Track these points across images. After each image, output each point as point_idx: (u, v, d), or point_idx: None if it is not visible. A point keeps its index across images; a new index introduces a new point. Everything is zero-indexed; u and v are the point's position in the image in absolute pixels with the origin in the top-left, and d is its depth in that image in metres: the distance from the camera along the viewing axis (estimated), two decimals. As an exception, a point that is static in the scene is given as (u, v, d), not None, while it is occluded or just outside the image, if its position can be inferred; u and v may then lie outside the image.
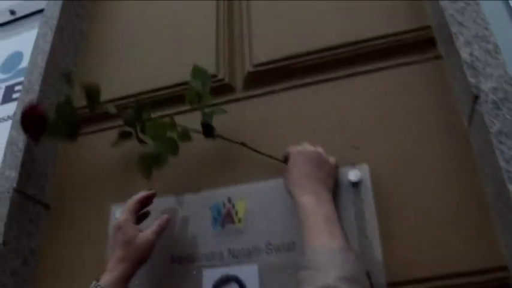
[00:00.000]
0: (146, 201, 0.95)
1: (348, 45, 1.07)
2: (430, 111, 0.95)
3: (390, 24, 1.07)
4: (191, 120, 1.03)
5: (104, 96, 1.06)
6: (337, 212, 0.80)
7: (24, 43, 1.58)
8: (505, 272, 0.77)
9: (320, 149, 0.91)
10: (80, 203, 1.13)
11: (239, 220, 0.97)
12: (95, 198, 1.11)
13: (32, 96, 1.17)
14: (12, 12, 1.65)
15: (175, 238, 1.00)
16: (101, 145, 1.14)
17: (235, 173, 1.02)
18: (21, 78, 1.49)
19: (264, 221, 0.95)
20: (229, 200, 0.99)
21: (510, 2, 0.96)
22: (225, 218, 0.98)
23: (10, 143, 1.14)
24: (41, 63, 1.20)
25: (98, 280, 0.82)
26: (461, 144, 0.90)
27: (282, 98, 1.08)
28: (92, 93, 1.03)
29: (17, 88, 1.49)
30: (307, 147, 0.91)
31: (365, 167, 0.93)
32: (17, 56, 1.57)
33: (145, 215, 0.96)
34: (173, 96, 1.14)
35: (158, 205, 0.99)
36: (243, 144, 1.00)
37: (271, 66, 1.11)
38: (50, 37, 1.24)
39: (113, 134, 1.11)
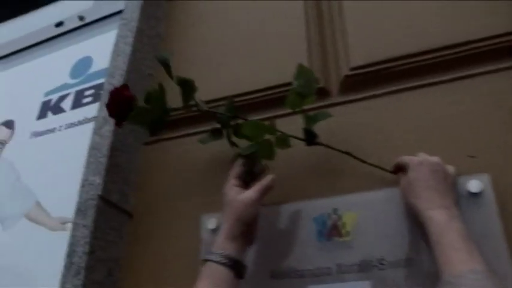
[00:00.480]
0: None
1: (455, 47, 0.99)
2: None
3: (497, 25, 0.98)
4: (284, 126, 0.96)
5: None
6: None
7: (93, 48, 1.56)
8: None
9: (439, 159, 0.84)
10: (166, 211, 1.07)
11: (347, 233, 0.89)
12: (182, 207, 1.05)
13: (115, 100, 1.12)
14: (81, 18, 1.64)
15: (275, 251, 0.93)
16: (188, 150, 1.08)
17: (338, 182, 0.95)
18: (91, 83, 1.47)
19: (374, 234, 0.88)
20: (335, 211, 0.92)
21: None
22: (330, 230, 0.90)
23: (92, 148, 1.09)
24: (123, 65, 1.16)
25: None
26: None
27: (383, 103, 1.01)
28: (187, 86, 0.97)
29: (87, 93, 1.47)
30: (427, 157, 0.84)
31: (486, 177, 0.85)
32: (86, 61, 1.56)
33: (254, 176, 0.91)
34: (264, 101, 1.08)
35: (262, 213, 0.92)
36: (349, 153, 0.92)
37: (370, 69, 1.04)
38: (130, 39, 1.20)
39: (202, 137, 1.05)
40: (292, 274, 0.89)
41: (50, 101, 1.56)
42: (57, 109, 1.53)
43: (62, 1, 1.81)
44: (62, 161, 1.39)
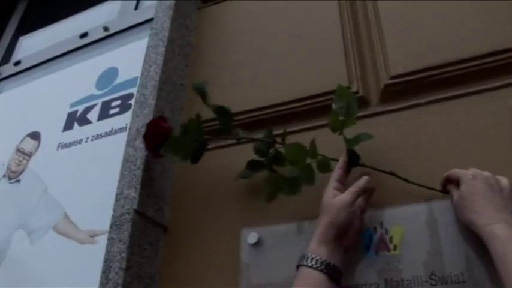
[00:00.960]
0: (346, 165, 0.88)
1: (496, 54, 0.96)
2: None
3: None
4: (321, 138, 0.94)
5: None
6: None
7: (118, 59, 1.55)
8: None
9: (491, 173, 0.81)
10: (202, 225, 1.04)
11: (395, 247, 0.86)
12: (219, 221, 1.03)
13: (147, 111, 1.10)
14: (106, 29, 1.63)
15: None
16: (224, 162, 1.05)
17: (382, 196, 0.91)
18: (117, 94, 1.46)
19: (423, 248, 0.84)
20: (381, 225, 0.89)
21: None
22: (378, 244, 0.87)
23: (126, 160, 1.07)
24: (155, 76, 1.14)
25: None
26: None
27: (425, 112, 0.97)
28: (224, 114, 0.98)
29: (113, 104, 1.45)
30: (479, 171, 0.81)
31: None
32: (112, 72, 1.54)
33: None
34: (302, 111, 1.06)
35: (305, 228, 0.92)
36: (393, 173, 0.89)
37: (410, 78, 1.01)
38: (162, 49, 1.18)
39: (237, 149, 1.03)
40: (338, 290, 0.86)
41: (76, 112, 1.55)
42: (83, 120, 1.51)
43: (86, 12, 1.81)
44: (89, 173, 1.38)
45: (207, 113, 1.09)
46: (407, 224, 0.88)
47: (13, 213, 1.45)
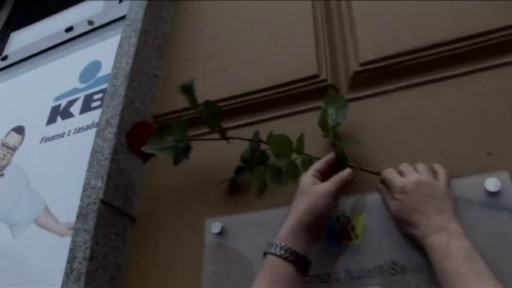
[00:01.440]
0: (332, 161, 0.85)
1: (465, 40, 0.93)
2: None
3: (510, 16, 0.92)
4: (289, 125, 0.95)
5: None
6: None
7: (102, 52, 1.55)
8: None
9: (423, 165, 0.79)
10: (170, 216, 1.04)
11: (356, 236, 0.84)
12: (186, 211, 1.02)
13: (117, 101, 1.10)
14: (90, 23, 1.62)
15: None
16: (193, 154, 1.04)
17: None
18: (100, 87, 1.45)
19: (386, 237, 0.82)
20: (344, 214, 0.87)
21: None
22: (340, 234, 0.85)
23: (95, 151, 1.07)
24: (126, 66, 1.13)
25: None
26: None
27: (393, 99, 0.96)
28: (213, 112, 0.97)
29: (95, 97, 1.45)
30: (408, 180, 0.77)
31: (505, 174, 0.79)
32: (95, 65, 1.55)
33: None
34: (272, 99, 1.05)
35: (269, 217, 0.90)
36: (379, 173, 0.85)
37: (380, 64, 0.99)
38: (134, 40, 1.17)
39: (206, 142, 1.02)
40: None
41: (59, 106, 1.55)
42: (66, 114, 1.52)
43: (76, 6, 1.81)
44: (70, 166, 1.38)
45: (180, 104, 1.09)
46: (370, 213, 0.86)
47: (-4, 207, 1.46)
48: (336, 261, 0.83)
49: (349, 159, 0.86)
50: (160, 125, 1.15)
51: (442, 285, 0.66)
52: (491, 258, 0.66)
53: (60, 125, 1.50)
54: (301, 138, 0.90)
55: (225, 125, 1.02)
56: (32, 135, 1.55)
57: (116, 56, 1.18)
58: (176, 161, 0.97)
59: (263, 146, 0.96)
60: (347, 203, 0.87)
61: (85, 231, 0.97)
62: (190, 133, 1.05)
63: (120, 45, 1.20)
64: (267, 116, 1.05)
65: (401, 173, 0.80)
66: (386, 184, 0.81)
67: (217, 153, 1.04)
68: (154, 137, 0.97)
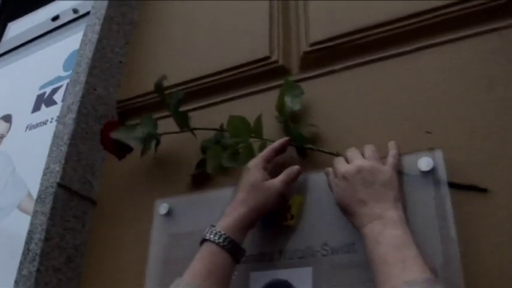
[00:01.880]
0: (281, 148, 0.86)
1: (416, 16, 0.90)
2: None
3: None
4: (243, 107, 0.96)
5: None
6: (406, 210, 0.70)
7: (84, 40, 1.57)
8: None
9: (370, 148, 0.77)
10: (127, 198, 1.07)
11: (291, 217, 0.85)
12: (140, 193, 1.05)
13: (78, 88, 1.12)
14: (75, 11, 1.65)
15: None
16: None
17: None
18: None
19: (320, 219, 0.83)
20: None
21: None
22: (275, 214, 0.85)
23: (56, 136, 1.10)
24: (89, 53, 1.16)
25: (213, 226, 0.75)
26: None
27: (341, 78, 0.95)
28: (182, 117, 1.00)
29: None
30: (355, 158, 0.76)
31: (438, 153, 0.78)
32: (78, 54, 1.56)
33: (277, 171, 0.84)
34: (226, 82, 1.05)
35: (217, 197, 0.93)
36: (338, 154, 0.83)
37: (328, 44, 0.97)
38: (97, 27, 1.19)
39: (161, 125, 1.03)
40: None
41: (44, 94, 1.59)
42: (50, 101, 1.56)
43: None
44: (50, 152, 1.42)
45: (144, 88, 1.11)
46: (307, 194, 0.86)
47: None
48: (270, 242, 0.84)
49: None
50: (123, 109, 1.17)
51: (374, 274, 0.64)
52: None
53: (44, 112, 1.55)
54: (259, 120, 0.90)
55: (184, 107, 1.03)
56: (18, 123, 1.60)
57: (81, 44, 1.21)
58: (144, 153, 1.00)
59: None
60: (286, 183, 0.87)
61: (42, 213, 1.00)
62: (155, 115, 1.07)
63: (85, 33, 1.22)
64: (223, 98, 1.06)
65: (346, 159, 0.78)
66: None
67: (176, 137, 1.06)
68: (125, 126, 1.00)
